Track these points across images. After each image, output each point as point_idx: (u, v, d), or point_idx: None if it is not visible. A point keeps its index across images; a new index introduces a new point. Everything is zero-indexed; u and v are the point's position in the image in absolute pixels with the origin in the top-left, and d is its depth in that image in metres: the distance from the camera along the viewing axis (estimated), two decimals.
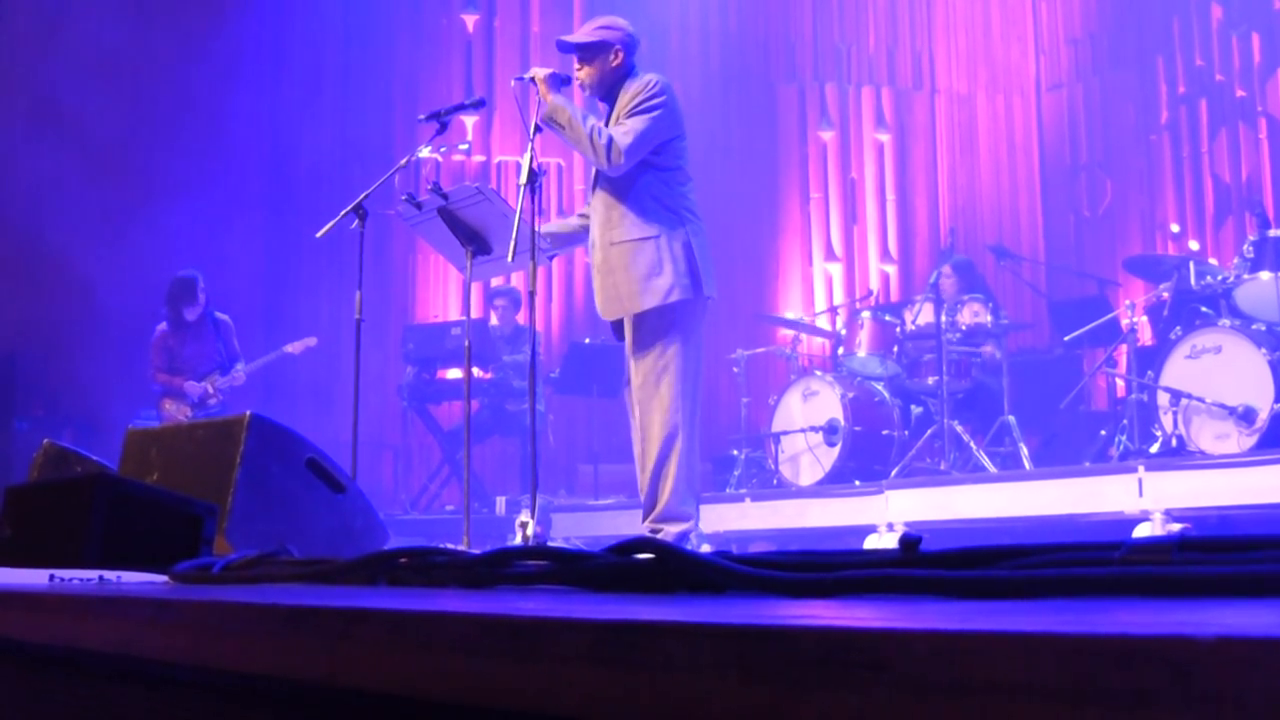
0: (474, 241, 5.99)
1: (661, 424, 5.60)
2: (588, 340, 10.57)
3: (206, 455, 4.63)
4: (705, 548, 5.64)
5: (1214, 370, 6.86)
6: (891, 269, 13.16)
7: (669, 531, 5.55)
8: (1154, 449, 7.19)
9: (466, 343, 6.10)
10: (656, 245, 5.59)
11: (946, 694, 0.83)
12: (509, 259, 5.49)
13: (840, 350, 9.07)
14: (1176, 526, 6.42)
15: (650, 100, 5.64)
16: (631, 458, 5.86)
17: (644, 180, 5.66)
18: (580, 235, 6.10)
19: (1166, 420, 7.04)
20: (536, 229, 5.55)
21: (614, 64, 5.79)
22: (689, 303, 5.63)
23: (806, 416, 8.65)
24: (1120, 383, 8.46)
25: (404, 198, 6.16)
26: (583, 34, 5.88)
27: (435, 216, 6.01)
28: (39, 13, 10.98)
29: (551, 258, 6.21)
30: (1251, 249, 7.33)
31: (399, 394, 10.60)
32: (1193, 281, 7.55)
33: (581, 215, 6.16)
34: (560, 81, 5.70)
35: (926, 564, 1.48)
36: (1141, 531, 6.41)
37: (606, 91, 5.81)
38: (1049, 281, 11.84)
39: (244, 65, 11.46)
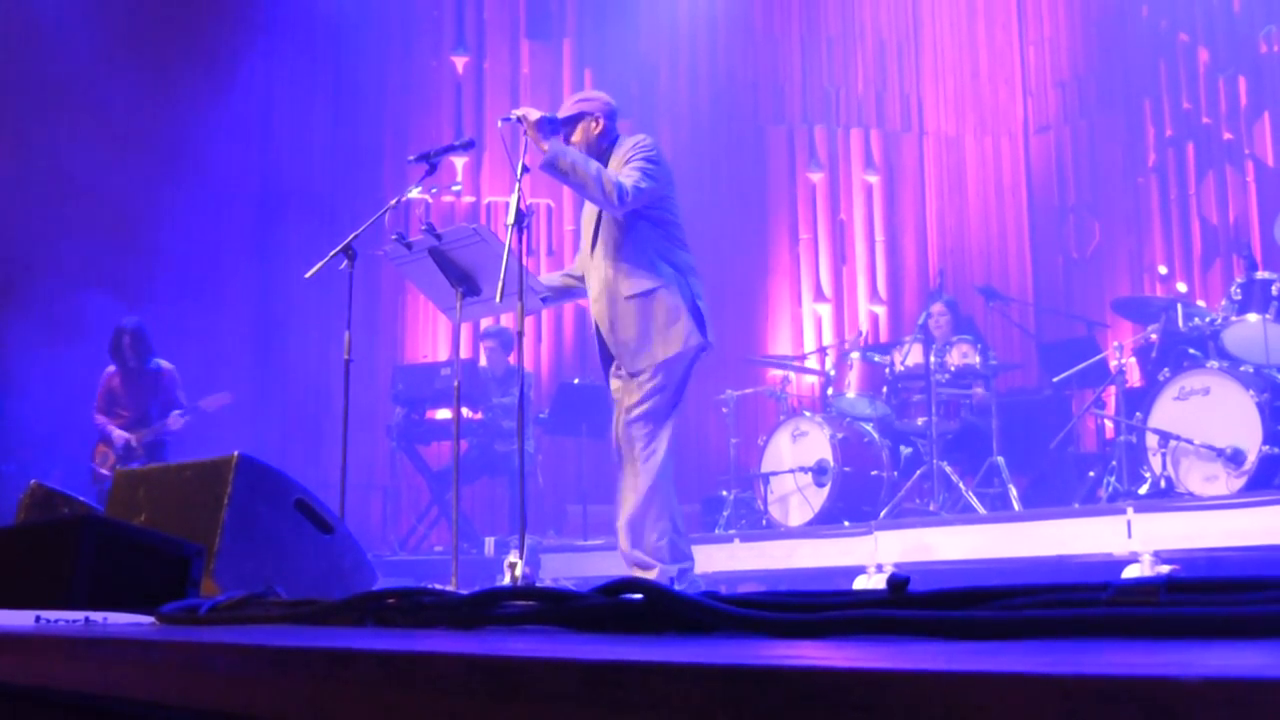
0: (464, 282, 5.99)
1: (659, 463, 5.71)
2: (577, 381, 10.58)
3: (194, 496, 4.62)
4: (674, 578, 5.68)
5: (1202, 412, 6.87)
6: (881, 310, 13.18)
7: (666, 571, 5.61)
8: (1143, 490, 7.20)
9: (456, 383, 6.09)
10: (669, 294, 5.75)
11: None
12: (497, 299, 5.50)
13: (829, 391, 9.08)
14: (1165, 568, 6.42)
15: (646, 154, 5.81)
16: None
17: (645, 235, 5.82)
18: (575, 291, 6.28)
19: (1155, 462, 7.05)
20: (525, 269, 5.59)
21: (595, 131, 5.97)
22: (700, 348, 5.82)
23: (796, 457, 8.65)
24: (1109, 424, 8.47)
25: (394, 237, 6.16)
26: (564, 109, 6.06)
27: (425, 257, 6.02)
28: (35, 61, 11.01)
29: (546, 301, 6.24)
30: (1239, 291, 7.35)
31: (388, 434, 10.58)
32: (1180, 323, 7.57)
33: (568, 274, 6.28)
34: (550, 125, 5.74)
35: (914, 604, 1.48)
36: (1130, 573, 6.41)
37: (593, 157, 5.89)
38: (1038, 323, 11.87)
39: (234, 107, 11.49)
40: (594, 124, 5.94)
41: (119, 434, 9.22)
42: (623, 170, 5.73)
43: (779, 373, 10.37)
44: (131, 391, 9.30)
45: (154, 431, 9.19)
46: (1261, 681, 0.71)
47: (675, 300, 5.74)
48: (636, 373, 5.79)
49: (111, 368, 9.39)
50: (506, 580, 5.58)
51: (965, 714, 0.82)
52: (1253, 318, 7.18)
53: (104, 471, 9.12)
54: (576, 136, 5.93)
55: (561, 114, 5.98)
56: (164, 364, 9.40)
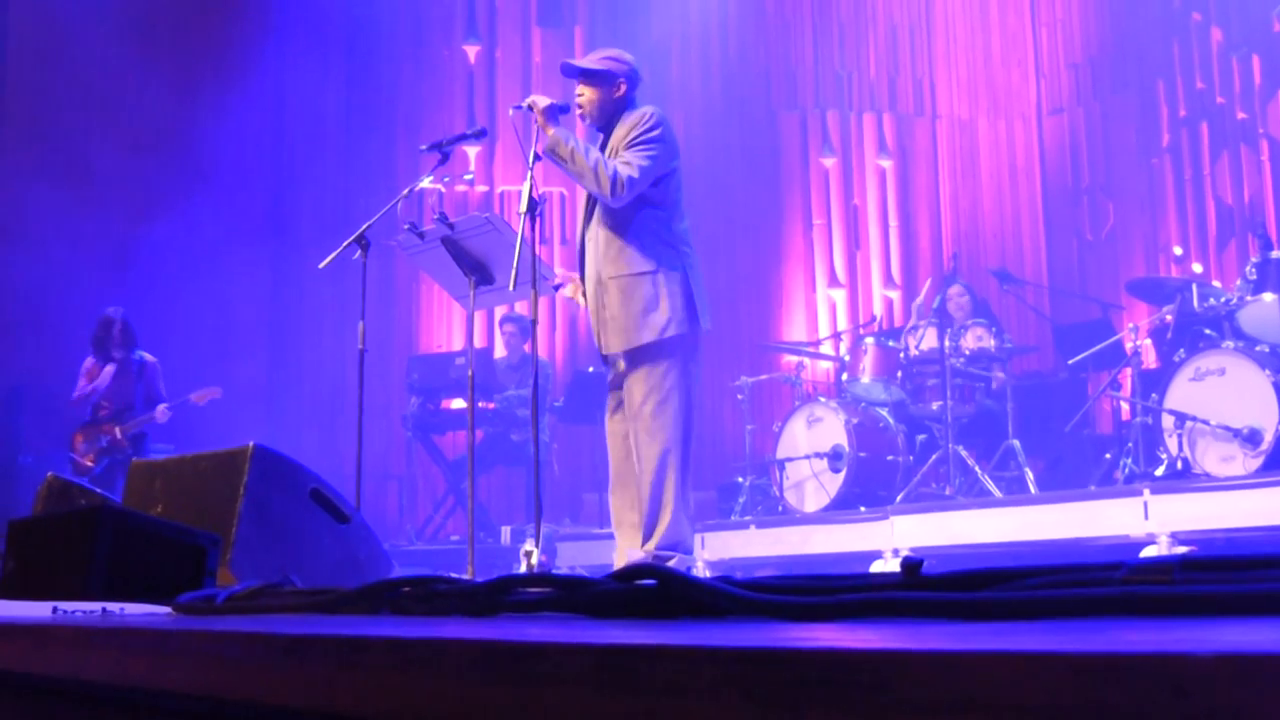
0: (477, 271, 6.00)
1: (655, 454, 5.55)
2: (591, 369, 10.58)
3: (210, 486, 4.63)
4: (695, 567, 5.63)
5: (1218, 392, 6.85)
6: (895, 294, 13.16)
7: (682, 560, 5.56)
8: (1159, 472, 7.18)
9: (470, 372, 6.09)
10: (654, 280, 5.57)
11: (948, 714, 0.83)
12: (510, 288, 5.49)
13: (844, 376, 9.07)
14: (1183, 549, 6.41)
15: (649, 133, 5.63)
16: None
17: (642, 215, 5.64)
18: None
19: (1171, 443, 7.03)
20: (538, 258, 5.56)
21: (616, 95, 5.80)
22: (684, 336, 5.62)
23: (811, 443, 8.64)
24: (1125, 406, 8.45)
25: (406, 227, 6.17)
26: (590, 60, 5.88)
27: (438, 246, 6.02)
28: (53, 57, 11.04)
29: (557, 288, 6.18)
30: (1254, 271, 7.33)
31: (403, 424, 10.60)
32: (1196, 304, 7.55)
33: None
34: (559, 111, 5.69)
35: (928, 586, 1.48)
36: (1148, 554, 6.39)
37: (605, 121, 5.81)
38: (1052, 305, 11.85)
39: (247, 97, 11.51)
40: (618, 88, 5.79)
41: (108, 428, 9.22)
42: (623, 154, 5.60)
43: (793, 358, 10.35)
44: (115, 381, 9.29)
45: (139, 424, 9.20)
46: (1273, 657, 0.71)
47: (659, 289, 5.56)
48: (614, 358, 5.71)
49: (90, 359, 9.37)
50: (523, 568, 5.58)
51: (978, 693, 0.82)
52: (1268, 297, 7.16)
53: (86, 463, 9.13)
54: (596, 93, 5.80)
55: (586, 65, 5.83)
56: (147, 356, 9.39)
